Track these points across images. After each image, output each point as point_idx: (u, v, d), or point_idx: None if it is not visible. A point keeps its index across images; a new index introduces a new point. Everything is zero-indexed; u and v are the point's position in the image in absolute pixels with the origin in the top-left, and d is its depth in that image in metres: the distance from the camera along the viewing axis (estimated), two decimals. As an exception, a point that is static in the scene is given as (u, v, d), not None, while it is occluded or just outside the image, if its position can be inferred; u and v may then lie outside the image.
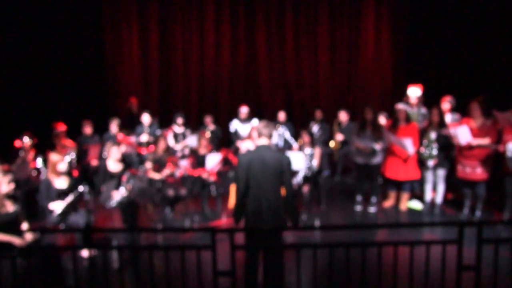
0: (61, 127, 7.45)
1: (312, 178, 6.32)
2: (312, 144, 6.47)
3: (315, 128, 8.46)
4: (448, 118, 6.40)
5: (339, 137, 8.17)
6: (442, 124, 6.12)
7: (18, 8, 8.45)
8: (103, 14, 10.24)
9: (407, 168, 6.34)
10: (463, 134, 5.73)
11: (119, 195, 5.44)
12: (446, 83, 8.41)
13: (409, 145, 6.08)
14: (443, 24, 9.01)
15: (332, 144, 8.42)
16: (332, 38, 10.53)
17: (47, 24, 8.95)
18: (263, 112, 10.31)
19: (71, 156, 6.69)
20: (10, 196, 4.40)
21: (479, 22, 8.22)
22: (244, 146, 6.46)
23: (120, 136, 7.61)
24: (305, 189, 6.16)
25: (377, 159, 6.44)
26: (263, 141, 3.99)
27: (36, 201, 6.20)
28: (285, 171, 3.90)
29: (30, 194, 6.38)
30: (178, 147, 7.75)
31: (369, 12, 10.32)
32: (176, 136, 7.94)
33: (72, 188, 5.06)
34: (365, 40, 10.45)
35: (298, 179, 6.08)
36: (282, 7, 10.46)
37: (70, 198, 4.91)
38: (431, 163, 6.20)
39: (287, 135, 7.46)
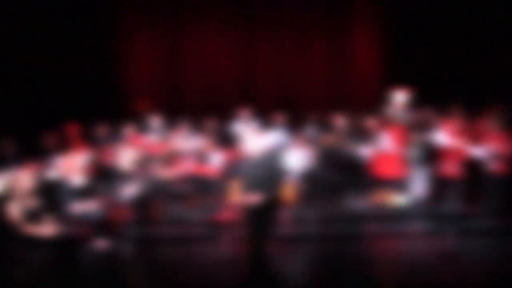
0: (76, 128, 7.51)
1: (307, 175, 6.43)
2: (308, 144, 6.59)
3: (310, 129, 8.54)
4: (431, 120, 6.50)
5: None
6: (426, 126, 6.23)
7: (31, 11, 8.54)
8: (113, 18, 10.30)
9: (393, 166, 6.45)
10: (442, 136, 5.87)
11: (131, 191, 5.53)
12: (430, 88, 8.48)
13: (386, 144, 6.24)
14: (429, 30, 9.11)
15: (325, 143, 8.48)
16: (328, 45, 10.68)
17: (56, 27, 9.01)
18: (262, 114, 10.38)
19: (86, 155, 6.77)
20: (33, 191, 4.50)
21: (462, 32, 8.32)
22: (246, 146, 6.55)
23: (132, 137, 7.68)
24: (301, 186, 6.27)
25: (365, 158, 6.56)
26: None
27: (53, 196, 6.28)
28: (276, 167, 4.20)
29: (48, 189, 6.45)
30: (185, 147, 7.83)
31: (360, 24, 10.49)
32: (182, 137, 8.01)
33: (88, 185, 5.16)
34: (358, 46, 10.58)
35: (294, 176, 6.19)
36: (281, 21, 10.63)
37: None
38: (415, 161, 6.30)
39: (285, 135, 7.58)
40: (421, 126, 6.27)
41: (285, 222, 6.05)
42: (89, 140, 7.63)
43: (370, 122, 7.16)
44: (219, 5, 10.57)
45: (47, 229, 4.28)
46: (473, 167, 5.94)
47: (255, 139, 4.32)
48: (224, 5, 10.58)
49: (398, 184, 6.98)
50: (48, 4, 8.86)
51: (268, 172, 4.14)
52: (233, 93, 10.80)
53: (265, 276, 4.03)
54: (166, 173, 6.38)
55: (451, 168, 5.96)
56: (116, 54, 10.45)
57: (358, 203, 6.71)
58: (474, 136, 5.83)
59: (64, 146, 6.93)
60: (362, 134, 6.53)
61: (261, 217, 3.96)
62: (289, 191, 5.63)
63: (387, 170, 6.47)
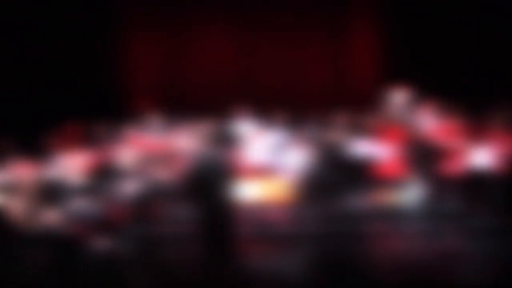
0: (76, 128, 7.51)
1: (306, 174, 6.44)
2: (306, 143, 6.59)
3: (309, 129, 8.53)
4: (429, 120, 6.50)
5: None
6: (425, 126, 6.24)
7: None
8: (114, 18, 10.30)
9: (394, 165, 6.45)
10: (442, 135, 5.88)
11: (130, 191, 5.54)
12: (431, 87, 8.46)
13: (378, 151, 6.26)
14: (429, 28, 9.10)
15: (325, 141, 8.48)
16: (328, 44, 10.71)
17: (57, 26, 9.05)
18: (262, 112, 10.38)
19: (86, 155, 6.77)
20: (33, 191, 4.50)
21: (464, 29, 8.33)
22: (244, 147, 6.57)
23: (132, 136, 7.68)
24: (300, 185, 6.28)
25: (365, 157, 6.56)
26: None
27: (53, 196, 6.28)
28: None
29: (49, 189, 6.45)
30: (185, 146, 7.82)
31: (360, 21, 10.50)
32: (183, 137, 8.01)
33: (87, 185, 5.17)
34: (359, 44, 10.60)
35: (293, 176, 6.20)
36: (280, 20, 10.65)
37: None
38: (416, 160, 6.31)
39: (283, 136, 7.59)
40: (421, 125, 6.27)
41: (285, 222, 6.06)
42: (89, 140, 7.62)
43: (370, 121, 7.16)
44: (218, 5, 10.59)
45: (47, 228, 4.28)
46: (473, 166, 5.94)
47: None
48: (224, 5, 10.60)
49: (398, 184, 6.98)
50: (48, 2, 8.87)
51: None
52: (233, 92, 10.80)
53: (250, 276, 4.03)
54: (166, 173, 6.38)
55: (451, 168, 5.95)
56: (116, 53, 10.45)
57: (358, 203, 6.70)
58: (476, 134, 5.83)
59: (64, 146, 6.93)
60: (362, 133, 6.52)
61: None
62: (282, 190, 5.64)
63: (387, 170, 6.46)
